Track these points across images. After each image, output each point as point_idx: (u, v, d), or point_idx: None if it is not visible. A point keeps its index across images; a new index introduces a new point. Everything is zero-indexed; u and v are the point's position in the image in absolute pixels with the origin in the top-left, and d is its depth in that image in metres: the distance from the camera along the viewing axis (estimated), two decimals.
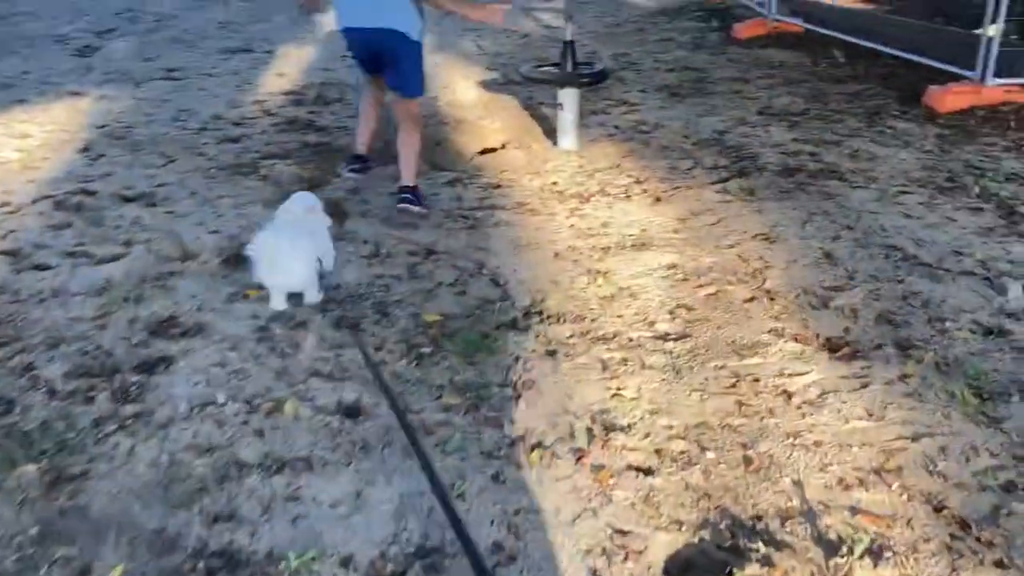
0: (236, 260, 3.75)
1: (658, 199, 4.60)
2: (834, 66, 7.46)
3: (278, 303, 3.35)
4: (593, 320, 3.31)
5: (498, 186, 4.86)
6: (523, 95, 6.81)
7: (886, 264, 3.76)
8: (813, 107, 6.28)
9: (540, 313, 3.37)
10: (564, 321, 3.31)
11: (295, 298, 3.38)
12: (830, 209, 4.38)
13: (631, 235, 4.11)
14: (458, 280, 3.64)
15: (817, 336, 3.19)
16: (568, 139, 5.52)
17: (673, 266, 3.77)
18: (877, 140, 5.50)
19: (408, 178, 4.52)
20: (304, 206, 3.49)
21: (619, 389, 2.84)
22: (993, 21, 5.90)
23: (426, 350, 3.08)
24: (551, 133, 5.83)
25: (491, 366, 2.99)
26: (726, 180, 4.86)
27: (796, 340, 3.16)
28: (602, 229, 4.19)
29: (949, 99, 5.99)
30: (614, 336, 3.19)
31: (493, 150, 5.69)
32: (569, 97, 5.40)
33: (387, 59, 4.43)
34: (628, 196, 4.65)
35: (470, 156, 5.47)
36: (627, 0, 11.29)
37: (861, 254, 3.85)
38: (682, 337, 3.17)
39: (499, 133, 5.99)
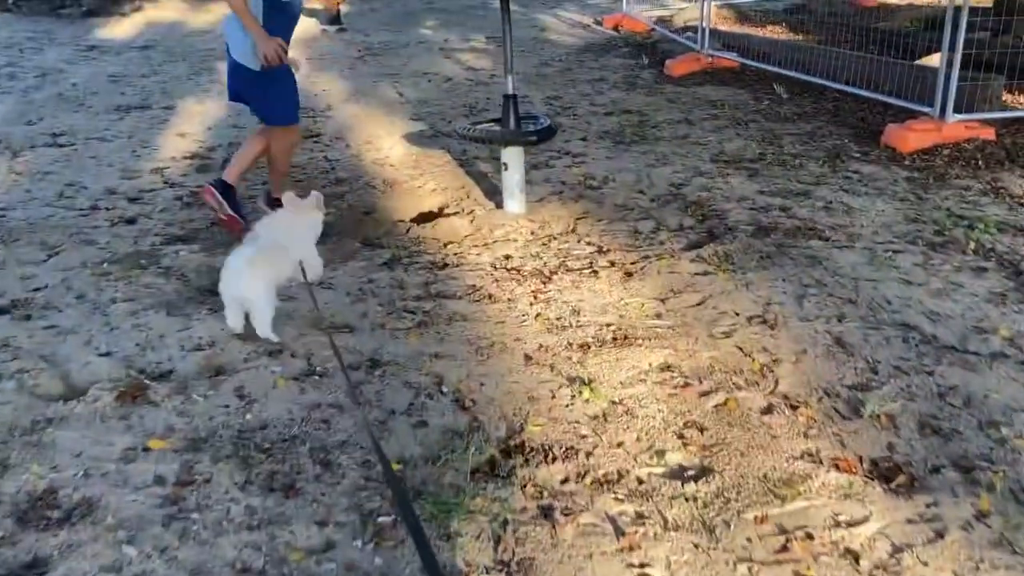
0: (135, 394, 2.99)
1: (628, 274, 4.01)
2: (778, 103, 7.06)
3: (234, 322, 3.41)
4: (589, 454, 2.66)
5: (444, 265, 4.19)
6: (456, 149, 6.18)
7: (906, 350, 3.23)
8: (768, 151, 5.82)
9: (522, 447, 2.70)
10: (553, 458, 2.65)
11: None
12: (823, 278, 3.85)
13: (609, 325, 3.49)
14: (414, 405, 2.95)
15: (861, 460, 2.61)
16: (515, 202, 4.90)
17: (667, 367, 3.16)
18: (847, 188, 5.05)
19: (228, 175, 4.56)
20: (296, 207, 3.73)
21: (643, 566, 2.19)
22: (951, 50, 5.53)
23: (386, 519, 2.38)
24: (493, 193, 5.22)
25: (472, 538, 2.30)
26: (699, 246, 4.31)
27: (838, 467, 2.57)
28: (574, 318, 3.56)
29: (912, 138, 5.60)
30: (619, 477, 2.55)
31: (431, 216, 5.04)
32: (514, 156, 4.79)
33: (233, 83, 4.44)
34: (594, 271, 4.04)
35: (406, 226, 4.80)
36: (550, 38, 10.81)
37: (875, 338, 3.31)
38: (703, 474, 2.55)
39: (435, 195, 5.34)
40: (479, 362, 3.22)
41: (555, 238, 4.53)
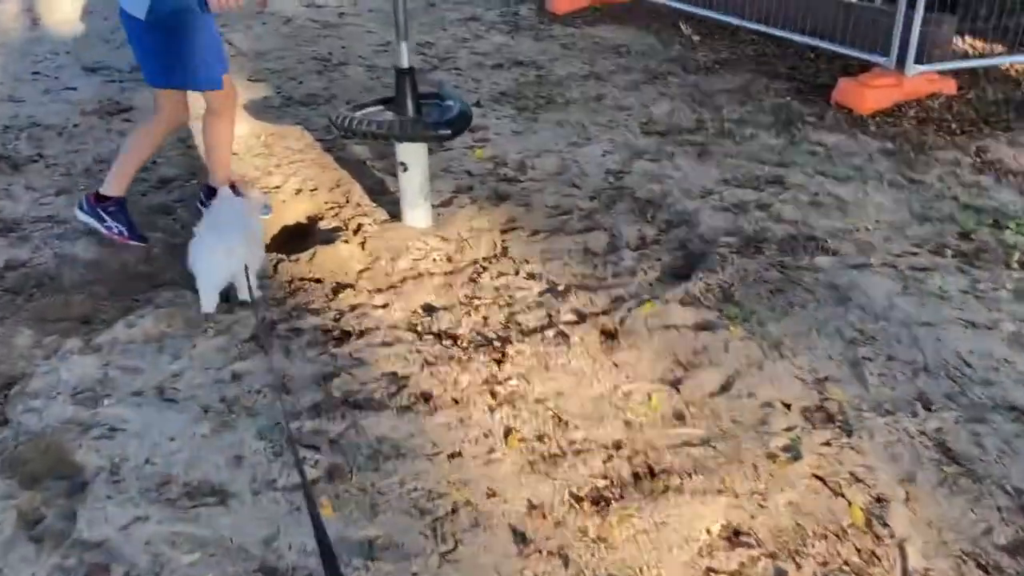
0: None
1: (609, 334, 2.81)
2: (690, 47, 5.93)
3: (208, 304, 2.91)
4: None
5: (342, 335, 2.84)
6: (316, 123, 4.70)
7: None
8: (706, 117, 4.70)
9: None
10: None
11: None
12: (865, 325, 2.81)
13: (619, 447, 2.30)
14: None
15: None
16: (418, 213, 3.57)
17: (736, 533, 2.03)
18: (821, 170, 4.01)
19: (215, 177, 3.54)
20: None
21: None
22: None
23: None
24: (379, 193, 3.88)
25: None
26: (682, 275, 3.16)
27: None
28: (563, 435, 2.35)
29: (871, 96, 4.63)
30: None
31: (303, 235, 3.65)
32: (415, 154, 3.43)
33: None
34: (561, 333, 2.81)
35: (271, 258, 3.37)
36: None
37: (990, 440, 2.30)
38: None
39: (302, 200, 3.91)
40: (445, 556, 1.96)
41: (484, 268, 3.25)
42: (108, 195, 3.38)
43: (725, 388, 2.53)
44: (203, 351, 2.73)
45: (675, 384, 2.55)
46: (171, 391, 2.54)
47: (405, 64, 3.32)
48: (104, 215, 3.37)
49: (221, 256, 2.85)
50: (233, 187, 3.51)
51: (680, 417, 2.41)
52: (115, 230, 3.38)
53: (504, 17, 6.79)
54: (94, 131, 4.64)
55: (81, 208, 3.41)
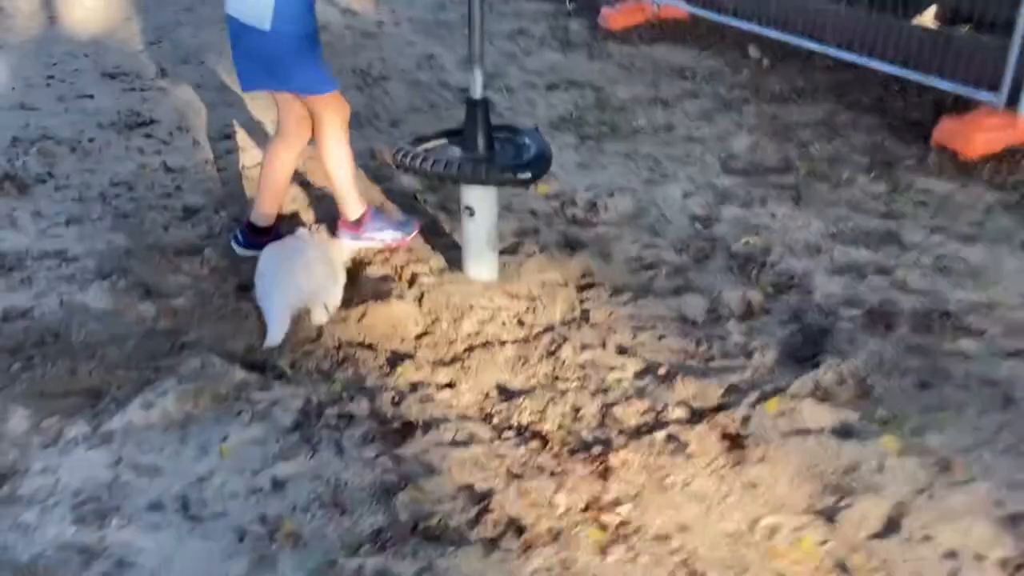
0: None
1: (733, 441, 2.27)
2: (760, 72, 5.37)
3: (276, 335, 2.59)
4: None
5: (404, 426, 2.30)
6: (358, 147, 4.14)
7: None
8: (792, 154, 4.15)
9: None
10: None
11: None
12: None
13: None
14: None
15: None
16: (483, 265, 3.04)
17: None
18: (937, 225, 3.46)
19: (348, 210, 3.14)
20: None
21: None
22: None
23: None
24: (433, 233, 3.39)
25: None
26: (805, 358, 2.61)
27: None
28: None
29: (980, 140, 4.06)
30: None
31: (347, 278, 3.09)
32: (484, 199, 2.89)
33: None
34: (672, 438, 2.26)
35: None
36: None
37: None
38: None
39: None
40: None
41: (563, 336, 2.71)
42: (267, 226, 3.10)
43: (892, 527, 1.98)
44: (236, 444, 2.19)
45: (828, 518, 2.00)
46: (197, 504, 2.00)
47: (478, 94, 2.81)
48: None
49: (288, 277, 2.69)
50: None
51: (844, 570, 1.86)
52: None
53: (554, 32, 6.24)
54: (111, 147, 4.12)
55: (239, 242, 3.11)
